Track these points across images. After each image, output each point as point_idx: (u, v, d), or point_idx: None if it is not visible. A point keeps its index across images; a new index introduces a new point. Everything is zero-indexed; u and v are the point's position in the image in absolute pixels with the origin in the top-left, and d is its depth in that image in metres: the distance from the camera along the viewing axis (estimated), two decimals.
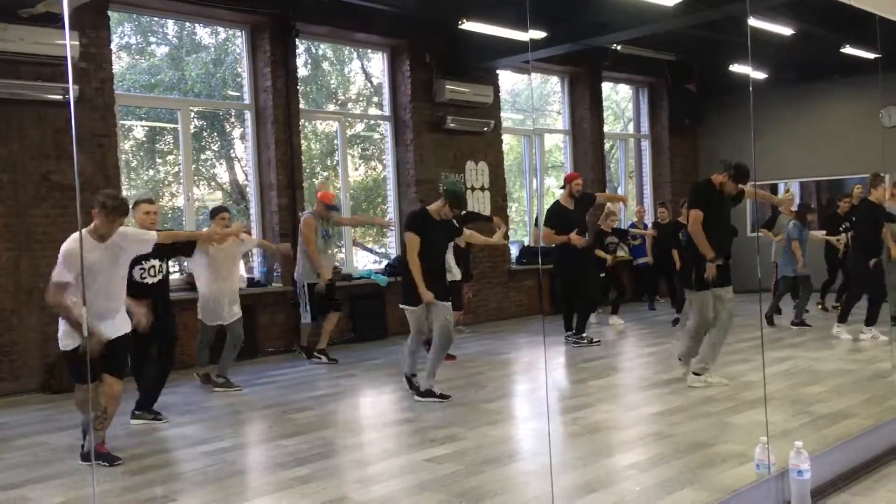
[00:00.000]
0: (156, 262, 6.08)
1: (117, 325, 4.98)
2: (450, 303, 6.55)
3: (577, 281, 8.90)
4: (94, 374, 4.88)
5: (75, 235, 4.74)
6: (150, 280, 6.05)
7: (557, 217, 8.80)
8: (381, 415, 6.56)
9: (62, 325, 4.89)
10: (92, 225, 4.82)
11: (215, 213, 7.27)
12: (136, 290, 5.58)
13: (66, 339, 4.86)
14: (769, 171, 13.67)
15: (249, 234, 8.43)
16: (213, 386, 7.24)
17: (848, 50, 11.21)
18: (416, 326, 6.53)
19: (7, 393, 7.40)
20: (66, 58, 7.50)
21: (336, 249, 8.87)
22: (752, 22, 8.72)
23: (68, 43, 7.44)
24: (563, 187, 9.08)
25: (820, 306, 11.00)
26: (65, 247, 4.73)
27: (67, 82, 7.62)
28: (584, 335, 9.00)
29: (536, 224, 9.97)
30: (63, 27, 7.52)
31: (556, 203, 8.99)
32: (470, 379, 7.35)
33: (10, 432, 6.06)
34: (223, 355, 7.30)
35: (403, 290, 6.55)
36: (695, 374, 6.61)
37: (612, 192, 14.38)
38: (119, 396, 5.03)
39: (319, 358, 8.60)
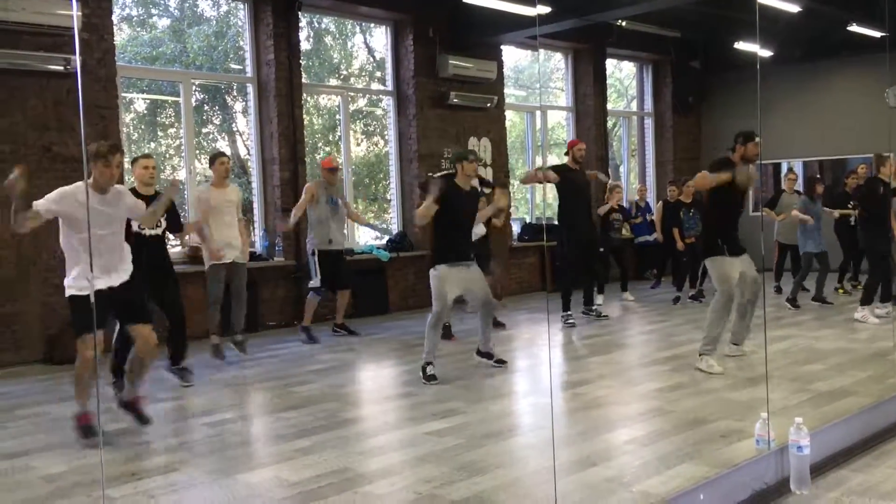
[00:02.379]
0: None
1: (121, 276, 4.95)
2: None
3: (583, 255, 8.92)
4: (104, 323, 4.94)
5: (79, 184, 4.78)
6: (148, 232, 6.07)
7: (564, 176, 8.73)
8: (382, 388, 6.59)
9: (73, 270, 4.80)
10: (91, 178, 4.81)
11: (214, 158, 7.38)
12: (134, 240, 5.60)
13: (77, 283, 4.76)
14: (773, 150, 13.62)
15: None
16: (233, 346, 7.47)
17: (855, 28, 11.12)
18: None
19: (9, 363, 7.43)
20: (72, 28, 7.53)
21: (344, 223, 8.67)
22: None
23: (76, 13, 7.40)
24: (566, 153, 9.02)
25: (841, 290, 10.64)
26: (62, 188, 4.75)
27: (74, 53, 7.64)
28: (592, 307, 9.15)
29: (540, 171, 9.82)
30: None
31: (565, 165, 8.93)
32: (470, 355, 7.36)
33: (13, 402, 6.10)
34: (232, 313, 7.44)
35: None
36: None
37: (613, 170, 14.37)
38: (153, 344, 4.95)
39: (340, 332, 8.64)
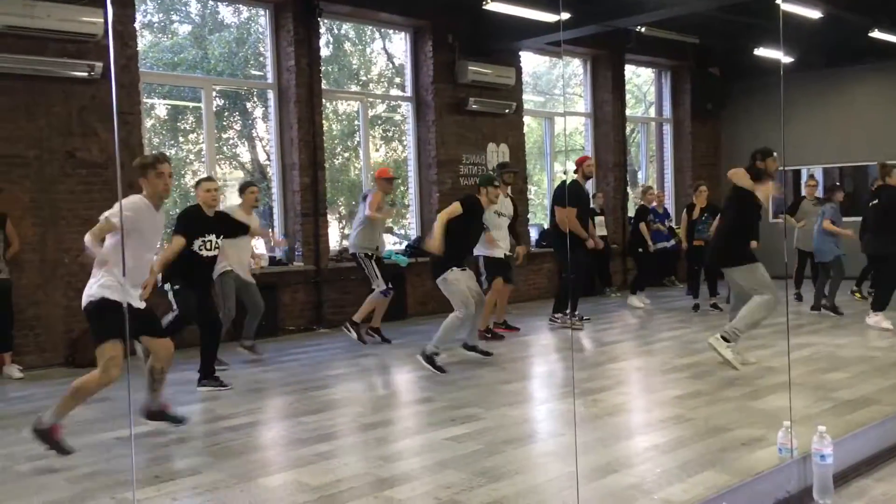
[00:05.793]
0: (213, 238, 6.46)
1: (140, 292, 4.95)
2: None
3: (586, 267, 9.29)
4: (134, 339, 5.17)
5: (140, 197, 4.80)
6: (206, 253, 6.44)
7: (576, 198, 8.82)
8: (401, 394, 6.60)
9: (103, 277, 4.63)
10: (144, 192, 4.81)
11: (244, 188, 7.63)
12: (192, 259, 6.28)
13: (110, 289, 4.61)
14: (794, 156, 13.56)
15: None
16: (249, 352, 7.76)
17: (877, 34, 11.04)
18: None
19: (32, 366, 7.50)
20: (98, 35, 7.71)
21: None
22: (782, 5, 8.61)
23: (110, 20, 7.62)
24: (575, 171, 9.07)
25: (857, 295, 10.62)
26: (133, 197, 4.79)
27: (100, 59, 7.82)
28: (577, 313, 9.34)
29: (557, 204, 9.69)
30: (95, 3, 7.60)
31: (575, 182, 9.00)
32: (487, 360, 7.37)
33: (36, 404, 6.14)
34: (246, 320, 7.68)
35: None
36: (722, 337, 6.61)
37: (631, 175, 14.35)
38: (171, 352, 5.14)
39: (373, 336, 8.48)
